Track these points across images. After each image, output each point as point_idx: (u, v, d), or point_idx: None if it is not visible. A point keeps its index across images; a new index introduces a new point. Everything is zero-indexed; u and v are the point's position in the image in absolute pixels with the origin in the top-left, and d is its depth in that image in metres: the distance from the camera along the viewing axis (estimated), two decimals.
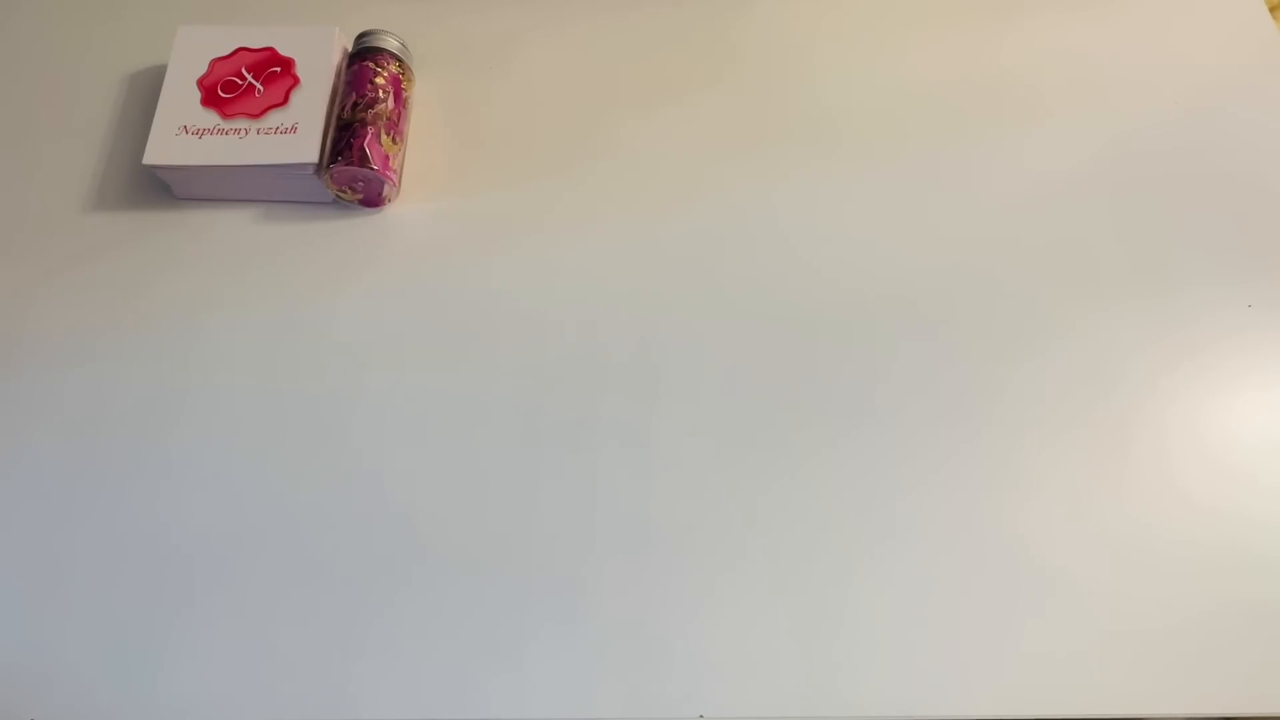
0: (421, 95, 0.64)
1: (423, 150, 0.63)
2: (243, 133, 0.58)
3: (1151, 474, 0.53)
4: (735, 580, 0.50)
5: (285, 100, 0.59)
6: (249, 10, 0.68)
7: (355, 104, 0.58)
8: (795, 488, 0.52)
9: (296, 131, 0.58)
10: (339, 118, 0.59)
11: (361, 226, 0.60)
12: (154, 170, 0.58)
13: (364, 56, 0.60)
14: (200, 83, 0.60)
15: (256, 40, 0.61)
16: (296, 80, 0.60)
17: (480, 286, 0.58)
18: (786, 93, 0.66)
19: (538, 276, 0.58)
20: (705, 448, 0.53)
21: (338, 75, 0.61)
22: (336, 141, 0.57)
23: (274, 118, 0.58)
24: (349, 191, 0.59)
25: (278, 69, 0.60)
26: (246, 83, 0.60)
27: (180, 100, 0.59)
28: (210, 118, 0.58)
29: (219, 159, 0.57)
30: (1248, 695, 0.48)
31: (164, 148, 0.57)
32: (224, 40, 0.61)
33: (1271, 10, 0.70)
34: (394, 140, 0.59)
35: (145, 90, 0.64)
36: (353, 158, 0.56)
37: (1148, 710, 0.47)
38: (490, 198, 0.61)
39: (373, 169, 0.57)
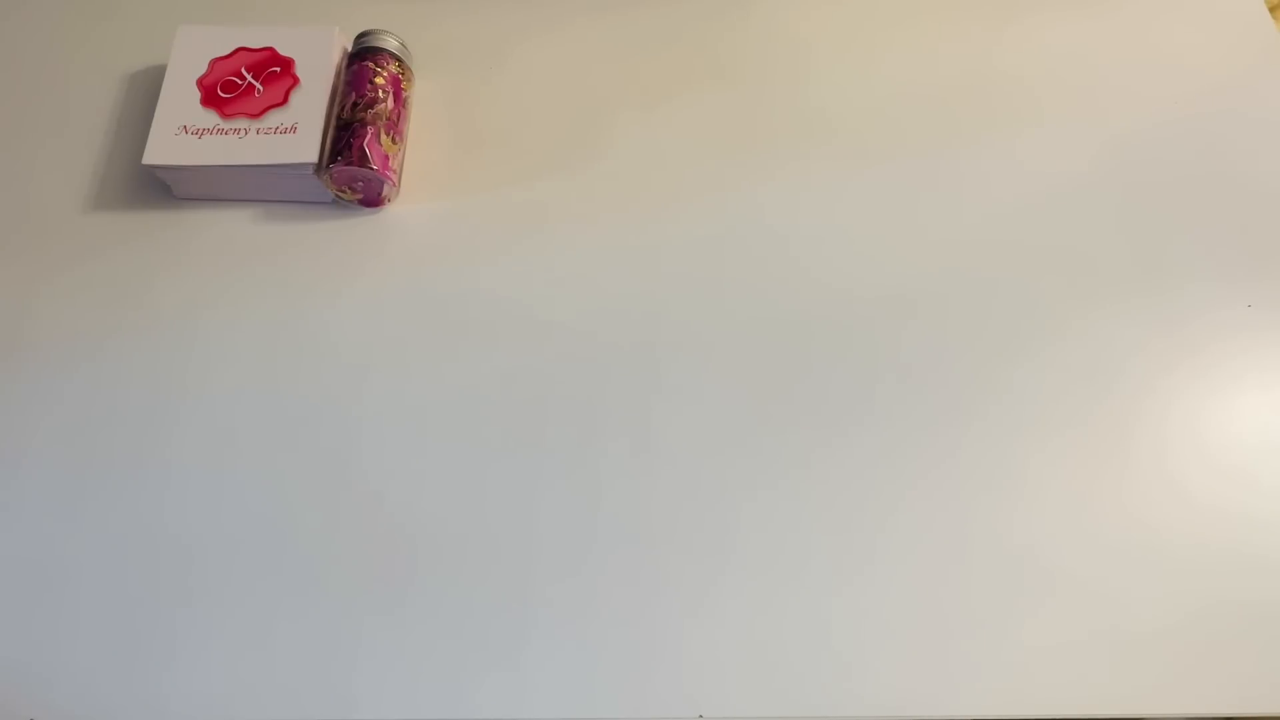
0: (421, 95, 0.64)
1: (423, 150, 0.63)
2: (242, 133, 0.58)
3: (1151, 474, 0.53)
4: (735, 580, 0.50)
5: (285, 100, 0.59)
6: (249, 10, 0.68)
7: (355, 104, 0.58)
8: (794, 488, 0.52)
9: (296, 131, 0.58)
10: (339, 117, 0.59)
11: (361, 226, 0.60)
12: (154, 170, 0.58)
13: (364, 56, 0.60)
14: (200, 83, 0.60)
15: (256, 40, 0.61)
16: (296, 80, 0.60)
17: (480, 286, 0.58)
18: (784, 93, 0.66)
19: (537, 276, 0.58)
20: (705, 447, 0.53)
21: (337, 75, 0.61)
22: (336, 141, 0.57)
23: (274, 118, 0.58)
24: (349, 191, 0.59)
25: (277, 69, 0.60)
26: (246, 83, 0.60)
27: (180, 100, 0.59)
28: (210, 118, 0.58)
29: (219, 159, 0.57)
30: (1248, 695, 0.48)
31: (164, 148, 0.57)
32: (224, 40, 0.61)
33: (1271, 10, 0.70)
34: (394, 140, 0.59)
35: (145, 90, 0.64)
36: (353, 158, 0.56)
37: (1148, 710, 0.47)
38: (490, 198, 0.61)
39: (373, 169, 0.57)
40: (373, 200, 0.60)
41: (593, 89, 0.66)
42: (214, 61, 0.60)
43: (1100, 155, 0.63)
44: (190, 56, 0.61)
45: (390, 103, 0.59)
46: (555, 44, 0.67)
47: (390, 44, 0.62)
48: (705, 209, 0.61)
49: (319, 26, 0.62)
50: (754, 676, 0.48)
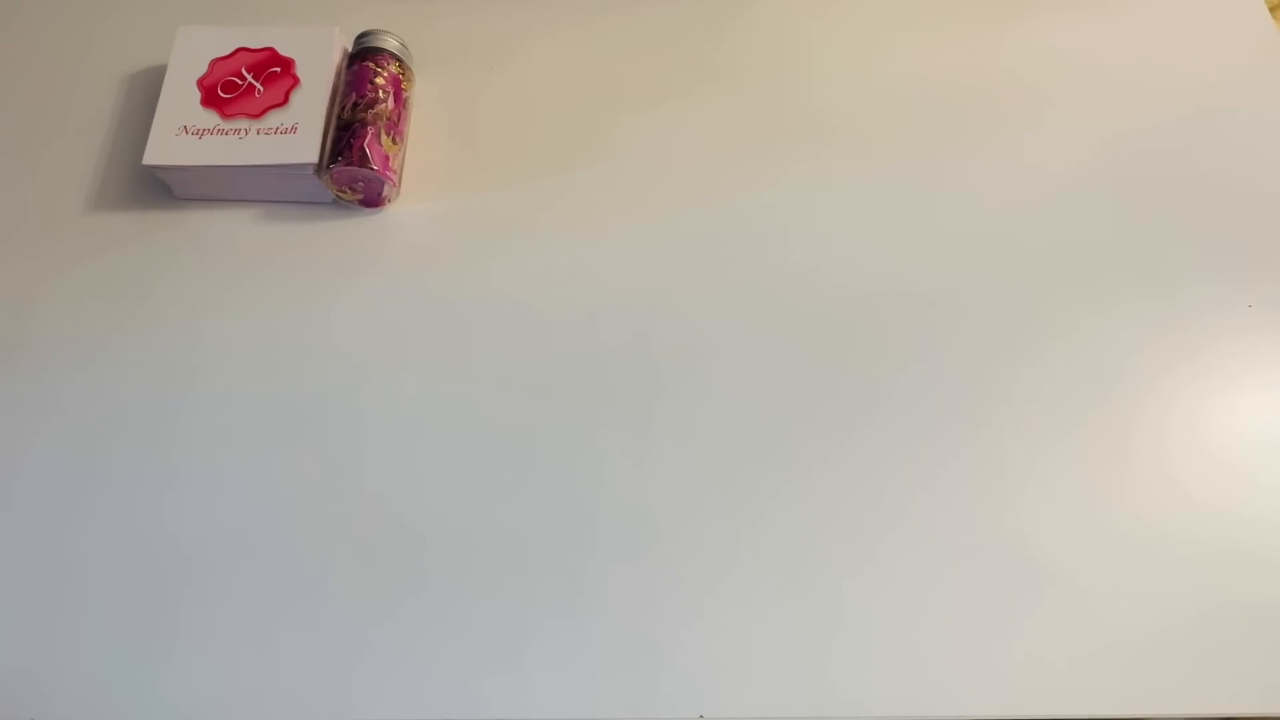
0: (421, 95, 0.64)
1: (423, 150, 0.63)
2: (243, 133, 0.58)
3: (1152, 474, 0.53)
4: (736, 580, 0.50)
5: (285, 100, 0.59)
6: (249, 10, 0.68)
7: (355, 104, 0.58)
8: (795, 488, 0.52)
9: (296, 132, 0.58)
10: (339, 118, 0.59)
11: (361, 226, 0.60)
12: (154, 170, 0.58)
13: (364, 56, 0.60)
14: (200, 83, 0.60)
15: (256, 40, 0.61)
16: (296, 80, 0.60)
17: (480, 287, 0.58)
18: (786, 93, 0.66)
19: (538, 277, 0.58)
20: (706, 448, 0.53)
21: (338, 75, 0.61)
22: (336, 141, 0.57)
23: (274, 118, 0.58)
24: (349, 191, 0.59)
25: (278, 69, 0.60)
26: (246, 83, 0.60)
27: (180, 100, 0.59)
28: (210, 118, 0.58)
29: (219, 159, 0.57)
30: (1248, 695, 0.48)
31: (164, 148, 0.57)
32: (224, 40, 0.61)
33: (1271, 10, 0.70)
34: (394, 140, 0.59)
35: (145, 90, 0.64)
36: (353, 158, 0.56)
37: (1148, 710, 0.47)
38: (490, 198, 0.61)
39: (373, 169, 0.57)
40: (373, 200, 0.60)
41: (594, 89, 0.66)
42: (214, 62, 0.60)
43: (1101, 155, 0.63)
44: (190, 57, 0.61)
45: (390, 103, 0.59)
46: (556, 44, 0.67)
47: (390, 44, 0.62)
48: (706, 209, 0.61)
49: (319, 27, 0.62)
50: (755, 676, 0.48)
